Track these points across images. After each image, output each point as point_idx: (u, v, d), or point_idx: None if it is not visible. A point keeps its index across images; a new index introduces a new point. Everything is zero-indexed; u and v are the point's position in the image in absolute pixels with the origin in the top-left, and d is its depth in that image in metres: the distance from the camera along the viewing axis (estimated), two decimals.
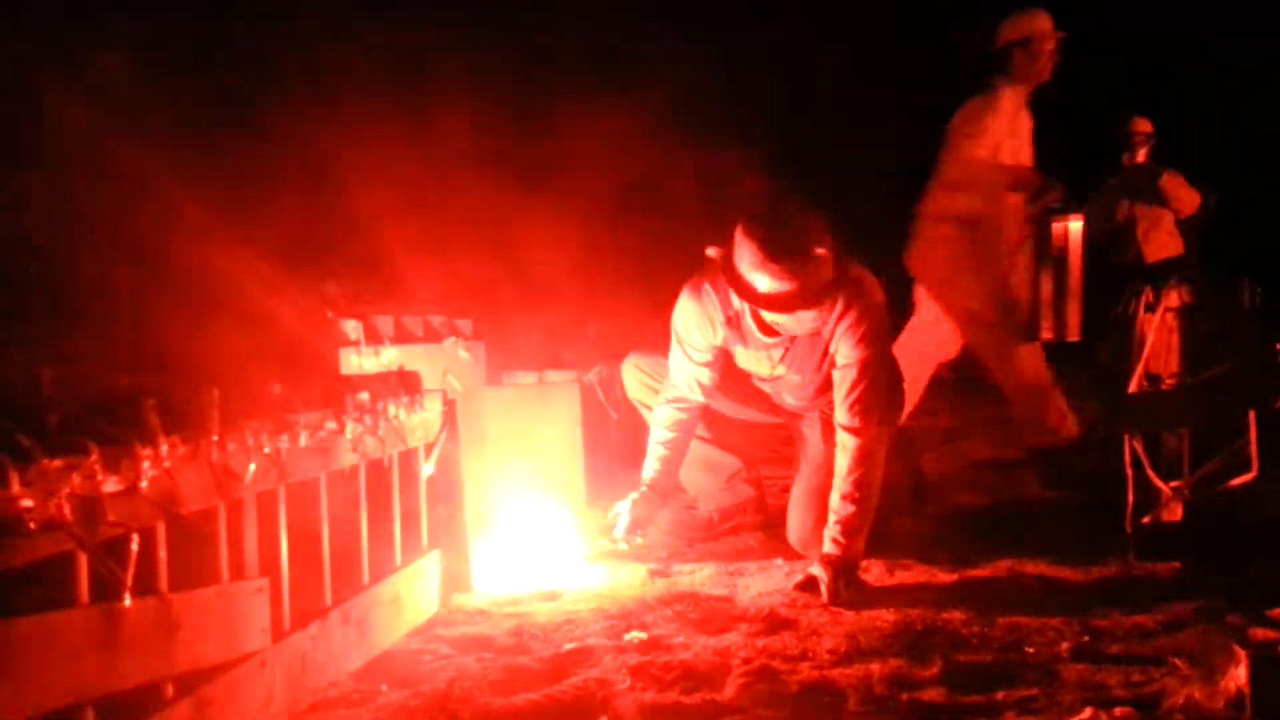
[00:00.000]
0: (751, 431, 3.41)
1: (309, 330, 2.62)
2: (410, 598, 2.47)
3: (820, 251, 2.68)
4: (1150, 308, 2.98)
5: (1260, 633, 2.21)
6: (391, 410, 2.39)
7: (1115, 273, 7.18)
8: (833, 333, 2.88)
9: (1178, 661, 2.03)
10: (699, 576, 2.93)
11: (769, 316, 2.79)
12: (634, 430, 4.36)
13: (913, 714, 1.89)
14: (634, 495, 3.15)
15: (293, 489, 2.00)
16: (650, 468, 3.19)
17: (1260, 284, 2.88)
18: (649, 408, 3.36)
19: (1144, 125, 6.85)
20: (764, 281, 2.70)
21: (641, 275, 3.32)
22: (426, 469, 2.61)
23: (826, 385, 2.94)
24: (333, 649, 2.11)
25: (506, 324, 4.38)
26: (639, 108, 5.87)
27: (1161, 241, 6.87)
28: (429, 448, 2.61)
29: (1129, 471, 2.93)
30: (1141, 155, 6.83)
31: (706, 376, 3.13)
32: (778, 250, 2.66)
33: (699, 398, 3.17)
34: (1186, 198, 6.76)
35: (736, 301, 2.85)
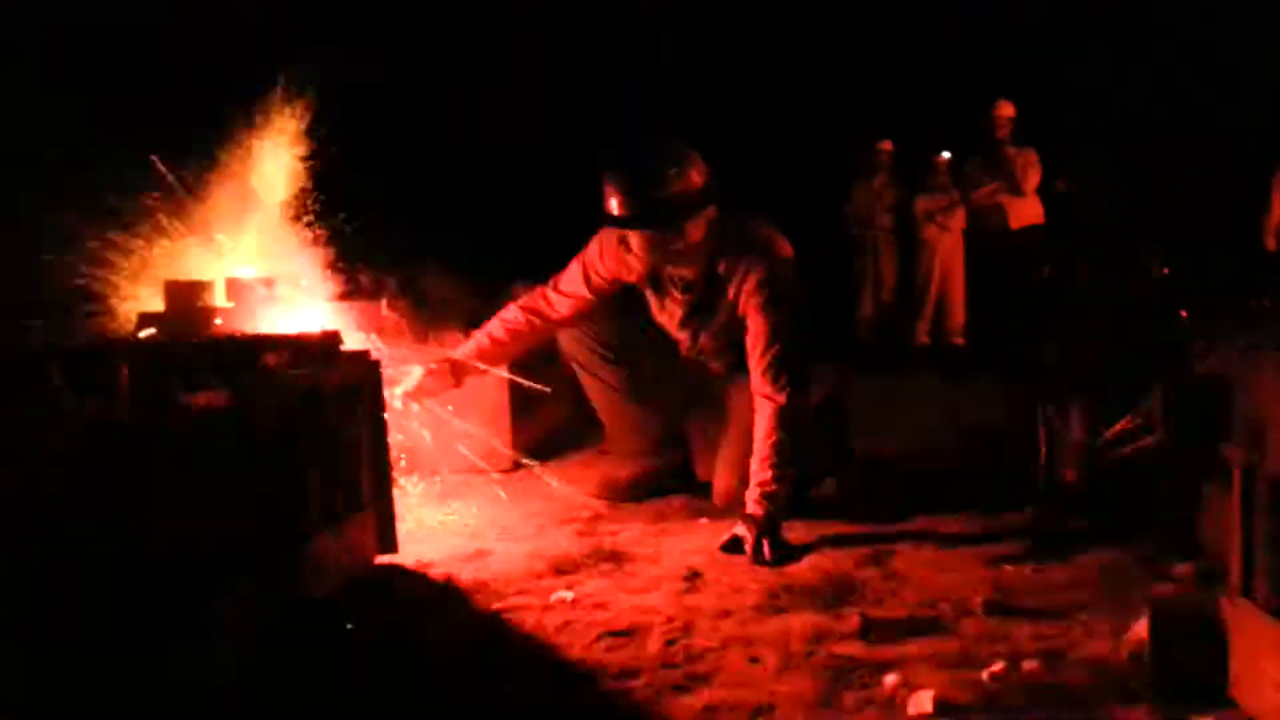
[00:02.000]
0: (680, 392, 3.44)
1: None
2: (332, 559, 2.44)
3: (671, 175, 2.77)
4: (1062, 279, 3.06)
5: (1162, 588, 2.31)
6: (309, 370, 2.34)
7: (985, 238, 7.91)
8: (737, 293, 2.91)
9: (1084, 617, 2.11)
10: (624, 536, 2.95)
11: (631, 242, 2.89)
12: (563, 392, 4.35)
13: (830, 668, 1.93)
14: (432, 365, 3.19)
15: (204, 450, 1.96)
16: (464, 349, 3.24)
17: (1166, 257, 2.98)
18: (584, 366, 3.37)
19: (1007, 109, 7.84)
20: (608, 198, 2.81)
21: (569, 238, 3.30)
22: (348, 433, 2.57)
23: (742, 350, 2.97)
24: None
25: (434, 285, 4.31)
26: None
27: (1023, 211, 7.82)
28: (351, 406, 2.57)
29: (1041, 433, 3.02)
30: (1004, 134, 7.84)
31: (587, 305, 3.19)
32: (617, 170, 2.80)
33: (555, 317, 3.22)
34: (1023, 174, 7.77)
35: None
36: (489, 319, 3.30)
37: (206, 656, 1.81)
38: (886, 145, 8.73)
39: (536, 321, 3.23)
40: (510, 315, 3.24)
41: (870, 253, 8.81)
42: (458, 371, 3.21)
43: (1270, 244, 6.89)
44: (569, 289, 3.19)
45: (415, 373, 3.13)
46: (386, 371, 2.98)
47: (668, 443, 3.46)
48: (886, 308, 8.89)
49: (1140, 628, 1.86)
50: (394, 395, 3.07)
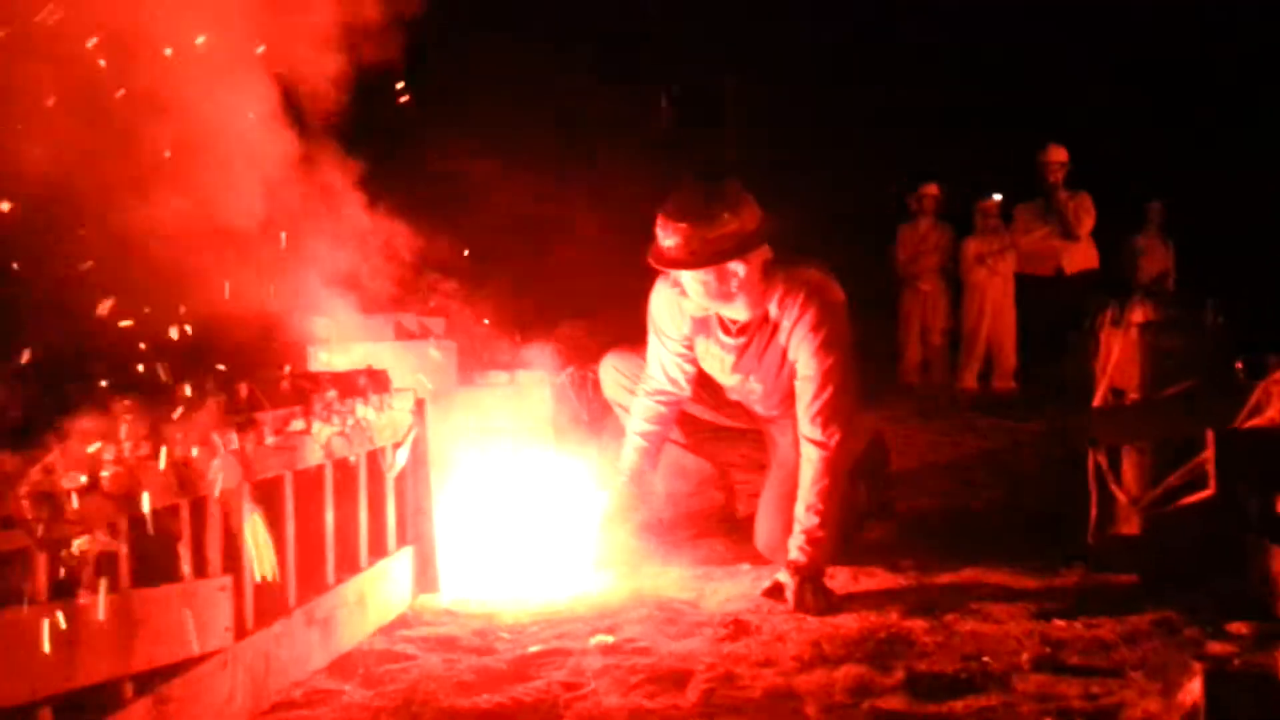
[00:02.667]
0: (724, 436, 3.43)
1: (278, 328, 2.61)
2: (376, 598, 2.46)
3: (726, 218, 2.76)
4: (1116, 322, 3.01)
5: (1216, 646, 2.25)
6: (360, 409, 2.38)
7: (1038, 285, 7.83)
8: (789, 337, 2.90)
9: (1135, 675, 2.06)
10: (666, 580, 2.93)
11: (685, 283, 2.87)
12: (606, 431, 4.36)
13: None
14: (613, 490, 3.15)
15: (258, 487, 1.99)
16: (628, 459, 3.19)
17: (1223, 305, 2.92)
18: (625, 409, 3.36)
19: (1059, 153, 7.78)
20: (662, 238, 2.80)
21: (617, 276, 3.33)
22: (394, 468, 2.59)
23: (791, 395, 2.95)
24: (296, 648, 2.09)
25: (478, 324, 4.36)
26: None
27: (1077, 256, 7.82)
28: (396, 447, 2.60)
29: (1092, 484, 2.96)
30: (1056, 179, 7.79)
31: (684, 366, 3.13)
32: (672, 209, 2.78)
33: (677, 390, 3.17)
34: (1078, 219, 7.74)
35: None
36: (624, 412, 3.28)
37: None
38: (932, 189, 8.71)
39: (668, 399, 3.19)
40: (644, 405, 3.20)
41: (916, 297, 8.77)
42: (636, 481, 3.18)
43: None
44: (654, 360, 3.16)
45: (610, 502, 3.13)
46: (579, 502, 3.05)
47: (709, 485, 3.45)
48: (934, 351, 8.82)
49: (1194, 688, 1.81)
50: (603, 526, 3.10)
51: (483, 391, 3.80)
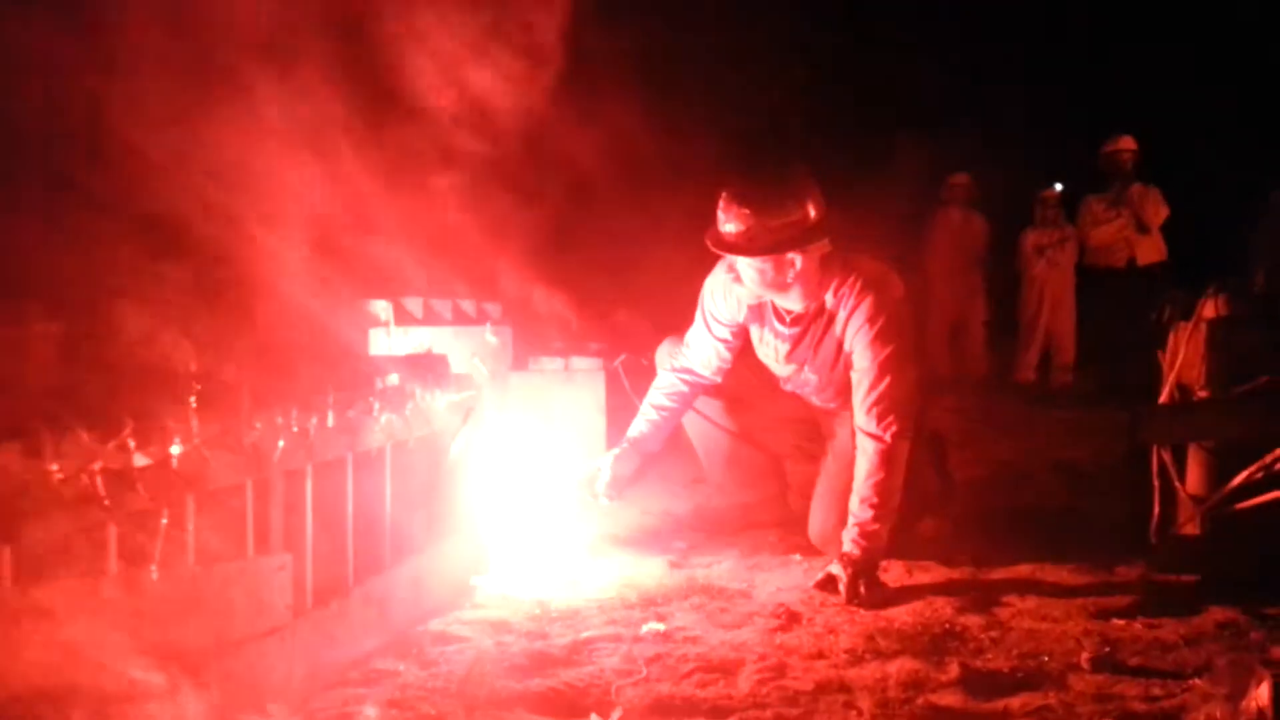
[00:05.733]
0: (779, 426, 3.41)
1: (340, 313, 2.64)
2: (431, 580, 2.49)
3: (790, 206, 2.73)
4: (1185, 317, 2.93)
5: None
6: (418, 393, 2.40)
7: (1110, 277, 7.59)
8: (844, 329, 2.87)
9: (1198, 681, 2.01)
10: (718, 570, 2.93)
11: (741, 270, 2.85)
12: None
13: (927, 718, 1.88)
14: (616, 451, 3.16)
15: (319, 468, 2.02)
16: (637, 428, 3.19)
17: None
18: None
19: (1129, 143, 7.62)
20: (722, 221, 2.78)
21: (673, 264, 3.32)
22: (451, 452, 2.62)
23: (847, 387, 2.92)
24: (353, 628, 2.13)
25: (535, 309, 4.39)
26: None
27: (1148, 248, 7.65)
28: (454, 432, 2.63)
29: (1156, 482, 2.90)
30: (1127, 169, 7.62)
31: (723, 353, 3.12)
32: (736, 193, 2.76)
33: (706, 373, 3.17)
34: (1151, 211, 7.57)
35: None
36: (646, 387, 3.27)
37: None
38: (962, 179, 8.56)
39: (692, 380, 3.20)
40: (667, 382, 3.21)
41: (947, 288, 8.62)
42: (639, 449, 3.18)
43: None
44: (697, 343, 3.16)
45: (604, 465, 3.13)
46: (576, 470, 3.05)
47: (763, 476, 3.44)
48: (974, 344, 8.66)
49: (1262, 693, 1.77)
50: (596, 495, 3.10)
51: (536, 377, 3.82)
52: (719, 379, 3.19)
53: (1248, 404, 2.71)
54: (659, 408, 3.19)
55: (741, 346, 3.14)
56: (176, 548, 1.63)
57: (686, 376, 3.19)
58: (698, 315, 3.14)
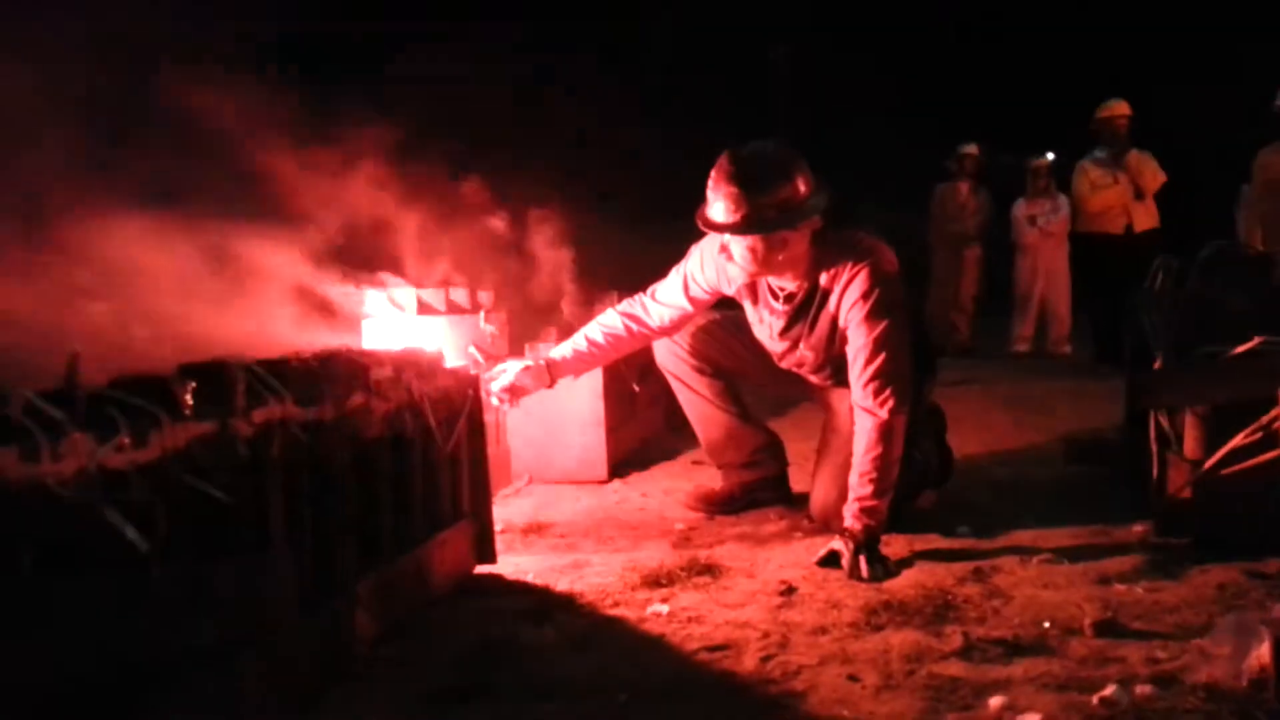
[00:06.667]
0: (777, 405, 3.41)
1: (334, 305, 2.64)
2: (434, 569, 2.50)
3: (780, 185, 2.74)
4: (1180, 283, 2.94)
5: None
6: (415, 385, 2.40)
7: (1107, 244, 7.44)
8: (839, 305, 2.87)
9: (1200, 642, 2.03)
10: (719, 549, 2.94)
11: (732, 248, 2.85)
12: (657, 401, 4.37)
13: (931, 688, 1.89)
14: (526, 362, 3.19)
15: (316, 462, 2.02)
16: (561, 351, 3.22)
17: None
18: (678, 378, 3.37)
19: (1123, 108, 7.45)
20: (712, 201, 2.79)
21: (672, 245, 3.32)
22: (449, 443, 2.62)
23: (844, 363, 2.93)
24: (357, 619, 2.13)
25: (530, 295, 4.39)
26: None
27: (1143, 215, 7.47)
28: (452, 420, 2.63)
29: (1154, 447, 2.91)
30: (1122, 135, 7.44)
31: (686, 310, 3.16)
32: (725, 172, 2.76)
33: (650, 325, 3.20)
34: (1149, 177, 7.40)
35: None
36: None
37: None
38: (972, 150, 8.53)
39: (634, 329, 3.22)
40: (609, 321, 3.23)
41: (952, 261, 8.61)
42: (553, 371, 3.20)
43: None
44: (667, 298, 3.17)
45: (511, 369, 3.14)
46: (484, 374, 3.02)
47: (763, 455, 3.44)
48: (963, 317, 8.67)
49: (1263, 652, 1.78)
50: (490, 391, 3.09)
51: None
52: (660, 334, 3.24)
53: (1242, 366, 2.71)
54: (592, 343, 3.22)
55: (730, 322, 3.16)
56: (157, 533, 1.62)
57: (631, 323, 3.21)
58: (674, 275, 3.15)
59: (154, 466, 1.55)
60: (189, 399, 1.63)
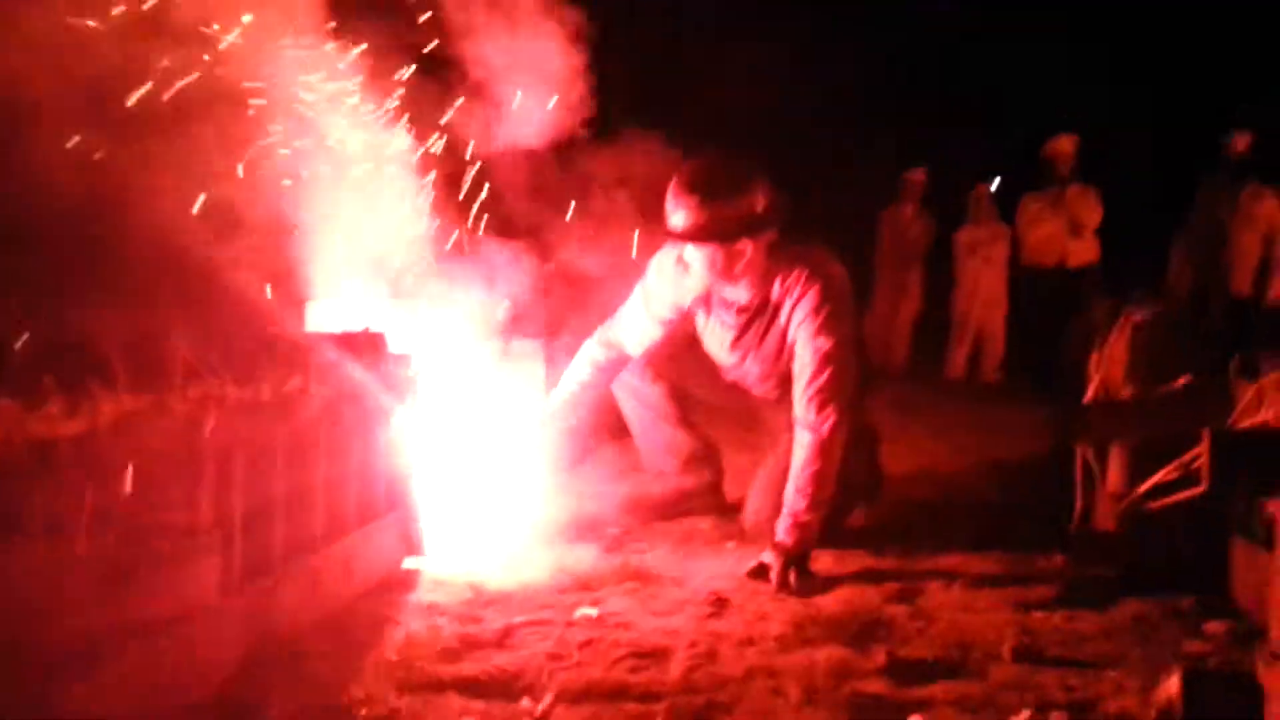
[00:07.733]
0: (718, 416, 3.43)
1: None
2: (363, 560, 2.46)
3: (739, 196, 2.77)
4: (1113, 319, 3.02)
5: (1194, 645, 2.27)
6: (355, 371, 2.37)
7: (1040, 277, 7.65)
8: (789, 319, 2.90)
9: (1113, 673, 2.08)
10: (652, 556, 2.94)
11: (690, 258, 2.88)
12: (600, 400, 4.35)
13: (853, 705, 1.92)
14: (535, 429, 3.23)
15: (251, 442, 1.98)
16: (554, 403, 3.25)
17: (1220, 306, 2.94)
18: (620, 383, 3.36)
19: (1068, 144, 7.56)
20: (672, 210, 2.81)
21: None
22: (386, 432, 2.59)
23: (788, 378, 2.95)
24: (283, 605, 2.09)
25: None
26: None
27: (1081, 251, 7.63)
28: (388, 410, 2.59)
29: (1078, 477, 2.98)
30: (1065, 171, 7.55)
31: (654, 334, 3.14)
32: (685, 181, 2.79)
33: (631, 351, 3.19)
34: (1087, 213, 7.54)
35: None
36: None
37: None
38: (918, 175, 8.64)
39: (614, 356, 3.21)
40: (595, 353, 3.22)
41: (895, 284, 8.71)
42: (565, 416, 3.24)
43: None
44: (630, 316, 3.16)
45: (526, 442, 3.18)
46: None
47: (700, 464, 3.45)
48: (900, 339, 8.78)
49: (1171, 685, 1.83)
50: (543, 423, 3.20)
51: (475, 357, 3.78)
52: (641, 356, 3.22)
53: (1169, 404, 2.79)
54: (579, 383, 3.23)
55: (682, 334, 3.16)
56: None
57: (610, 352, 3.21)
58: (636, 290, 3.15)
59: (84, 438, 1.51)
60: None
